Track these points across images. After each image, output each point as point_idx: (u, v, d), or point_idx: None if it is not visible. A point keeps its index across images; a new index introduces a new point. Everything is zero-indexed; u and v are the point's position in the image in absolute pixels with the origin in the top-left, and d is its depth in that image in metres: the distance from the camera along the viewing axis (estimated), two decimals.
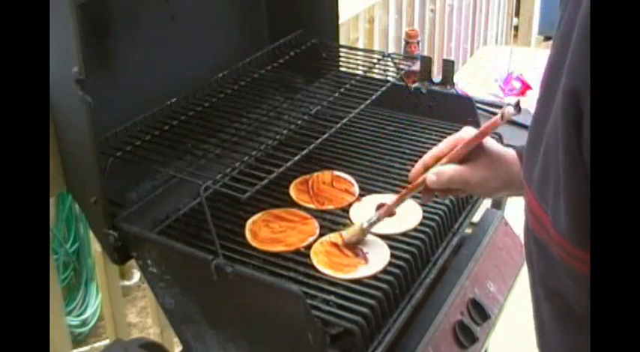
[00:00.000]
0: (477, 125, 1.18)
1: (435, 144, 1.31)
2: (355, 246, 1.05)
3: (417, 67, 1.46)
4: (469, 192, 0.99)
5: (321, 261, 1.02)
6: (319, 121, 1.20)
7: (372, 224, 1.05)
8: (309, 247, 1.06)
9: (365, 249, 1.04)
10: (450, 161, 0.95)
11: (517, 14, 4.18)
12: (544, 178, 0.63)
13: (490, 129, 0.93)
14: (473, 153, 0.95)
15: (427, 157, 0.99)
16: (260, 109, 1.26)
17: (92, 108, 0.96)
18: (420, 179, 0.97)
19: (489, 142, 0.96)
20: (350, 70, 1.43)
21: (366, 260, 1.03)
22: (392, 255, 1.03)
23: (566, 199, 0.60)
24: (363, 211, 1.13)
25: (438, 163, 0.96)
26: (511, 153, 0.96)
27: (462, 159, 0.95)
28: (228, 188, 1.00)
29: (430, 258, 1.08)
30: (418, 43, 1.75)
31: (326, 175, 1.23)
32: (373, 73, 1.40)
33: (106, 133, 1.10)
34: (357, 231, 1.05)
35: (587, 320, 0.56)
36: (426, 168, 0.98)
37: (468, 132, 0.97)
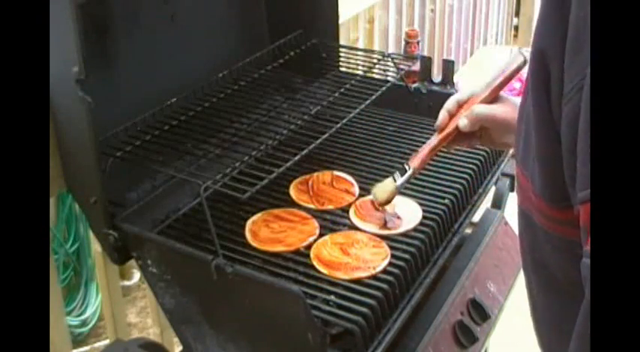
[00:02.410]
0: None
1: None
2: (384, 209, 1.09)
3: (417, 67, 1.45)
4: (493, 133, 1.03)
5: (321, 261, 1.02)
6: (319, 121, 1.20)
7: (404, 181, 1.05)
8: (309, 247, 1.06)
9: (395, 210, 1.10)
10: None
11: (517, 14, 4.18)
12: (526, 146, 0.64)
13: (515, 75, 1.04)
14: (495, 99, 1.04)
15: (449, 105, 1.05)
16: (260, 109, 1.26)
17: (92, 108, 0.96)
18: (450, 128, 1.03)
19: (504, 93, 1.06)
20: (350, 70, 1.43)
21: (398, 220, 1.09)
22: (392, 255, 1.03)
23: (538, 158, 0.62)
24: (365, 211, 1.13)
25: (462, 109, 1.03)
26: None
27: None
28: (228, 188, 1.00)
29: (430, 258, 1.08)
30: (418, 43, 1.75)
31: (326, 175, 1.23)
32: (373, 73, 1.40)
33: (106, 133, 1.09)
34: (389, 191, 1.05)
35: (568, 289, 0.57)
36: (451, 116, 1.04)
37: (480, 87, 1.06)
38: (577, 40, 0.56)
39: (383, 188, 1.06)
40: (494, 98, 1.04)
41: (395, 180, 1.05)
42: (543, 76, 0.60)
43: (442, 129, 1.04)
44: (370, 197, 1.10)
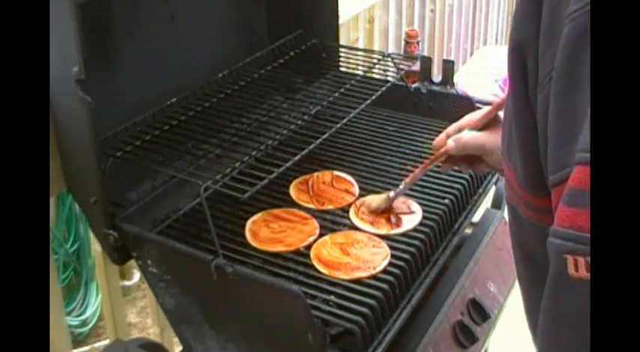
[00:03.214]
0: None
1: None
2: (385, 213, 1.12)
3: (417, 67, 1.45)
4: (487, 160, 1.02)
5: (321, 261, 1.02)
6: (319, 121, 1.20)
7: (397, 193, 1.12)
8: (309, 247, 1.06)
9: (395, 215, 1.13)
10: (470, 129, 1.02)
11: None
12: (510, 140, 0.65)
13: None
14: (490, 123, 1.01)
15: (450, 129, 1.06)
16: (260, 109, 1.26)
17: (92, 108, 0.96)
18: (443, 149, 1.04)
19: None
20: (350, 70, 1.43)
21: (398, 224, 1.10)
22: (392, 255, 1.03)
23: (519, 149, 0.63)
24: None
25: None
26: None
27: (480, 129, 1.02)
28: (228, 188, 1.00)
29: (430, 258, 1.08)
30: (418, 43, 1.74)
31: (326, 175, 1.23)
32: (373, 73, 1.40)
33: (106, 133, 1.09)
34: (383, 200, 1.12)
35: None
36: (449, 138, 1.05)
37: (479, 113, 1.04)
38: (549, 29, 0.57)
39: (377, 198, 1.14)
40: (490, 121, 1.01)
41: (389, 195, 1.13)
42: (521, 67, 0.61)
43: (437, 150, 1.07)
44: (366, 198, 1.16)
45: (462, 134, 1.02)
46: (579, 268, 0.51)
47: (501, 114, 1.01)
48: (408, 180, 1.11)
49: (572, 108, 0.53)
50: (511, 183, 0.67)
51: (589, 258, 0.50)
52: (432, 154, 1.09)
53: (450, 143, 1.02)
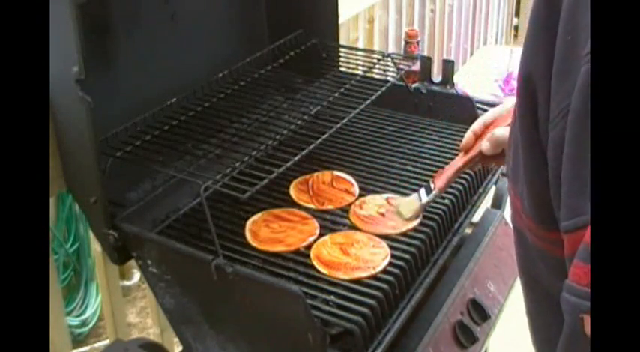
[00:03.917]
0: None
1: (435, 144, 1.32)
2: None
3: (417, 67, 1.46)
4: None
5: (321, 261, 1.02)
6: (319, 121, 1.20)
7: (430, 200, 1.06)
8: (309, 247, 1.06)
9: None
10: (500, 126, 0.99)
11: (517, 14, 4.18)
12: (515, 166, 0.64)
13: None
14: None
15: (475, 127, 1.02)
16: (260, 109, 1.26)
17: (92, 108, 0.96)
18: (476, 151, 1.01)
19: None
20: (350, 70, 1.43)
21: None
22: (392, 255, 1.03)
23: (526, 179, 0.61)
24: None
25: (488, 130, 1.00)
26: None
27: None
28: (228, 188, 1.00)
29: (430, 258, 1.08)
30: (418, 43, 1.74)
31: (326, 175, 1.23)
32: (373, 73, 1.40)
33: (106, 133, 1.09)
34: (414, 209, 1.07)
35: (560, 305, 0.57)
36: (477, 136, 1.01)
37: (511, 102, 0.99)
38: (563, 65, 0.55)
39: (408, 206, 1.08)
40: None
41: (420, 199, 1.07)
42: (530, 100, 0.60)
43: (467, 150, 1.03)
44: (372, 198, 1.13)
45: (493, 131, 0.99)
46: None
47: None
48: (441, 185, 1.05)
49: (587, 157, 0.51)
50: (517, 209, 0.66)
51: None
52: (452, 156, 1.06)
53: (486, 144, 0.99)
